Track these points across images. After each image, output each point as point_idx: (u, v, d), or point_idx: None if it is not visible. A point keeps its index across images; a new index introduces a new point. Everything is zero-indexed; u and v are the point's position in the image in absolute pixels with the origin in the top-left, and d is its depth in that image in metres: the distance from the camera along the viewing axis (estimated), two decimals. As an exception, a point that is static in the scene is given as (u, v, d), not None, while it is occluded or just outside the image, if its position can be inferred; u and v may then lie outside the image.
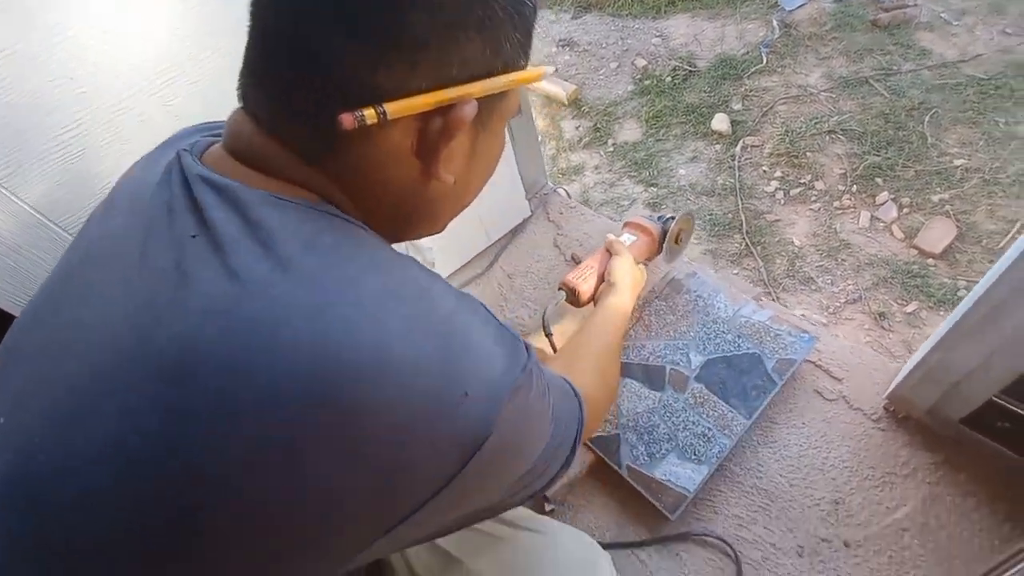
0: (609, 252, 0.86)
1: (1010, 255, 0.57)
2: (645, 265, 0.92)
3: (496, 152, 0.43)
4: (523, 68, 0.38)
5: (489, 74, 0.35)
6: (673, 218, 0.92)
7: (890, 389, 0.83)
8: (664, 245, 0.92)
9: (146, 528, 0.27)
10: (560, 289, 0.84)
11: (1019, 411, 0.71)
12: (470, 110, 0.34)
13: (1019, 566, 0.61)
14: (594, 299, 0.82)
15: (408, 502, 0.31)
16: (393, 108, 0.32)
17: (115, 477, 0.28)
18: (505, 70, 0.36)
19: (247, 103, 0.36)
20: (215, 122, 0.45)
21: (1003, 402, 0.71)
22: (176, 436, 0.27)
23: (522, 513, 0.60)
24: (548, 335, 0.82)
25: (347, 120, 0.31)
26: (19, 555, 0.28)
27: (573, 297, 0.83)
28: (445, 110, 0.34)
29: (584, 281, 0.83)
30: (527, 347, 0.37)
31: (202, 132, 0.43)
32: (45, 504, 0.28)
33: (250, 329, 0.28)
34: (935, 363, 0.71)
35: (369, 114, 0.31)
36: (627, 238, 0.89)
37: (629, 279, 0.80)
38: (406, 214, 0.40)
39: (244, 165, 0.35)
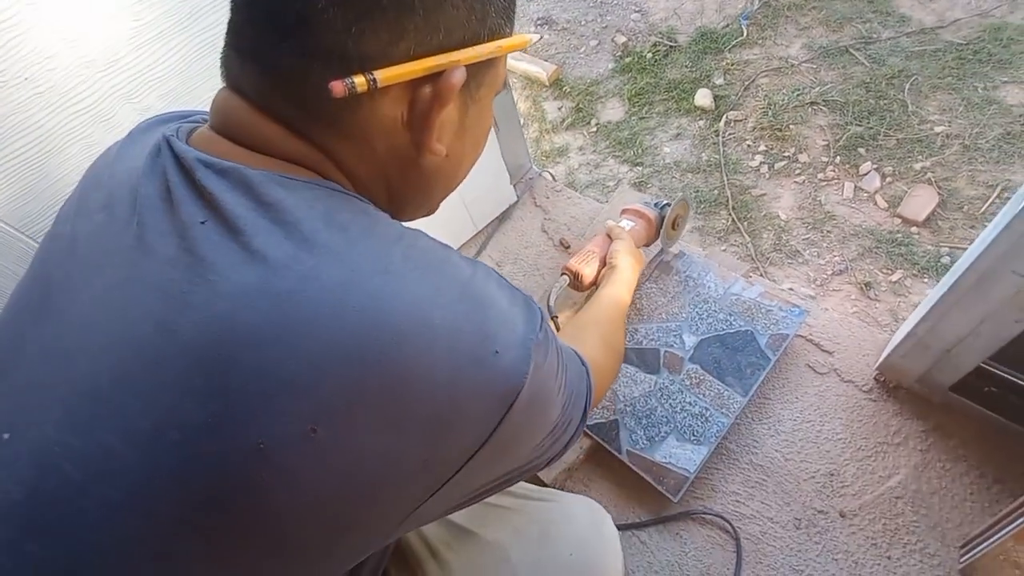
0: (610, 237, 0.88)
1: (996, 223, 0.57)
2: (643, 250, 0.93)
3: (485, 126, 0.43)
4: (509, 35, 0.38)
5: (476, 41, 0.35)
6: (669, 204, 0.94)
7: (880, 360, 0.83)
8: (661, 230, 0.93)
9: (201, 516, 0.28)
10: (563, 274, 0.86)
11: (1007, 376, 0.72)
12: (459, 76, 0.34)
13: (1010, 527, 0.62)
14: (596, 283, 0.84)
15: (453, 461, 0.32)
16: (383, 75, 0.32)
17: (160, 474, 0.27)
18: (491, 37, 0.36)
19: (231, 79, 0.35)
20: (180, 111, 0.44)
21: (992, 368, 0.72)
22: (225, 422, 0.27)
23: (529, 486, 0.62)
24: (553, 318, 0.84)
25: (337, 88, 0.31)
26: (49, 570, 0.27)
27: (576, 281, 0.85)
28: (434, 78, 0.34)
29: (587, 265, 0.84)
30: (538, 308, 0.38)
31: (170, 121, 0.41)
32: (79, 515, 0.27)
33: (289, 307, 0.28)
34: (925, 333, 0.71)
35: (360, 81, 0.31)
36: (626, 223, 0.91)
37: (631, 259, 0.82)
38: (400, 191, 0.40)
39: (239, 145, 0.34)
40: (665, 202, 0.95)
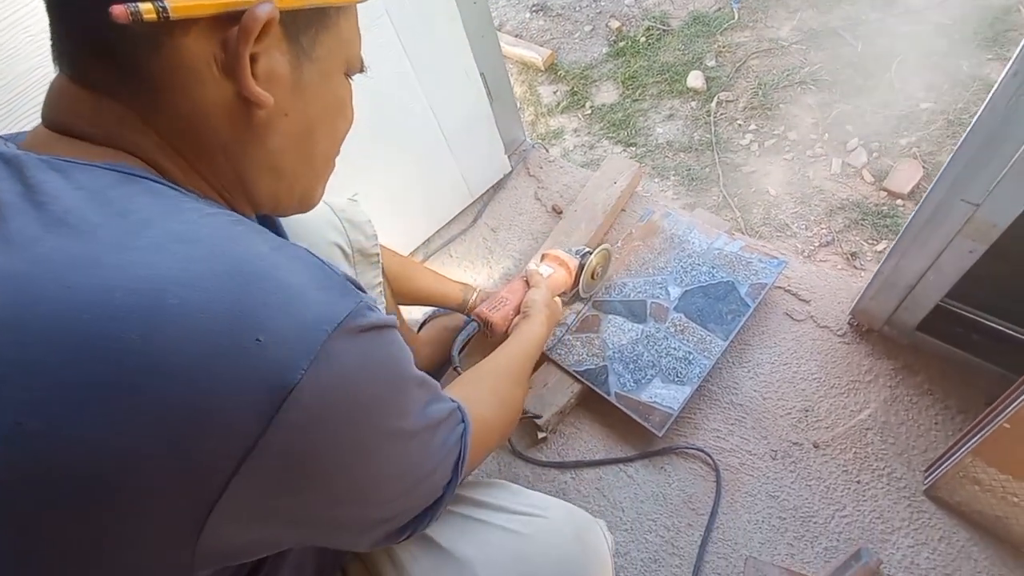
0: (527, 283, 0.84)
1: (951, 159, 0.62)
2: (561, 298, 0.91)
3: (335, 96, 0.40)
4: None
5: None
6: (591, 252, 0.92)
7: (853, 305, 0.88)
8: (580, 279, 0.92)
9: None
10: (472, 320, 0.81)
11: (967, 314, 0.77)
12: (265, 10, 0.32)
13: (968, 443, 0.67)
14: (508, 332, 0.79)
15: (217, 469, 0.27)
16: (174, 4, 0.29)
17: None
18: None
19: (56, 58, 0.34)
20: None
21: (953, 307, 0.77)
22: None
23: (508, 497, 0.54)
24: (455, 368, 0.80)
25: (119, 12, 0.28)
26: None
27: (487, 328, 0.81)
28: (242, 15, 0.32)
29: (497, 311, 0.80)
30: (368, 304, 0.33)
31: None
32: None
33: (16, 290, 0.27)
34: (890, 271, 0.76)
35: (146, 8, 0.29)
36: (545, 270, 0.88)
37: (546, 310, 0.78)
38: (243, 166, 0.37)
39: (56, 133, 0.33)
40: (587, 250, 0.93)
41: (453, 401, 0.43)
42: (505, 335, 0.78)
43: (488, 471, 0.91)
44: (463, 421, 0.43)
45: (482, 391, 0.54)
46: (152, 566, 0.29)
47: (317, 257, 0.33)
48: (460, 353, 0.79)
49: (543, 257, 0.93)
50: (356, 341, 0.31)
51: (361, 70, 0.42)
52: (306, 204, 0.44)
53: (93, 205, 0.29)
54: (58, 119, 0.34)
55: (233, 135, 0.35)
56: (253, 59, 0.33)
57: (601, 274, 0.98)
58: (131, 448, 0.26)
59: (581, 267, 0.92)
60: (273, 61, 0.34)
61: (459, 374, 0.77)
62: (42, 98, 0.57)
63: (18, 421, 0.25)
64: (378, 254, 0.73)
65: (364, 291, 0.34)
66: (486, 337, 0.82)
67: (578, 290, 0.95)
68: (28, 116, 0.68)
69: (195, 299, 0.27)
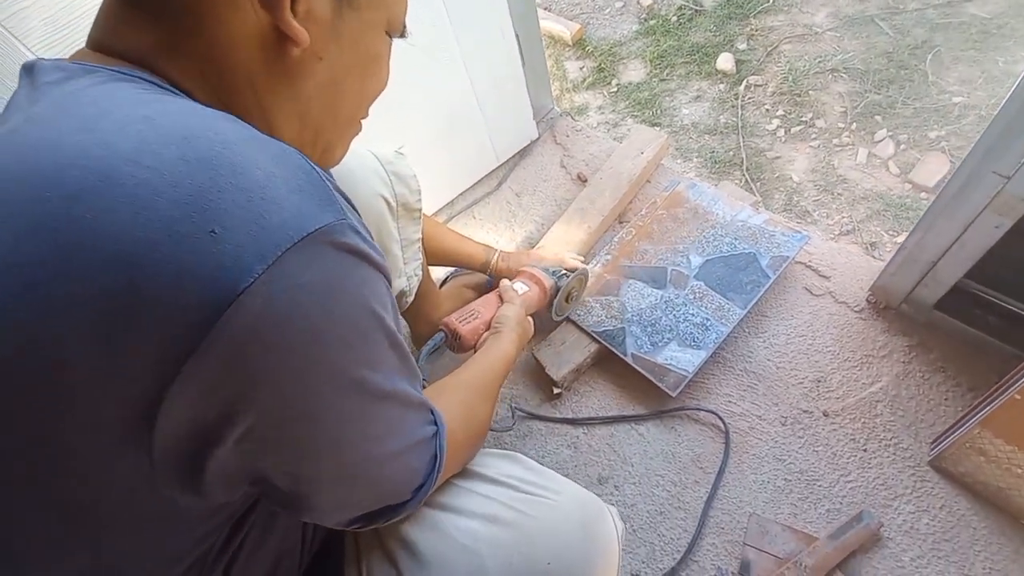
0: (501, 299, 0.81)
1: (986, 130, 0.63)
2: (532, 318, 0.85)
3: (373, 52, 0.39)
4: None
5: None
6: (567, 275, 0.90)
7: (872, 281, 0.89)
8: (555, 302, 0.90)
9: None
10: (440, 330, 0.77)
11: (984, 294, 0.78)
12: None
13: (978, 415, 0.69)
14: (476, 347, 0.75)
15: (150, 378, 0.25)
16: None
17: None
18: None
19: None
20: None
21: (971, 288, 0.78)
22: None
23: (518, 471, 0.52)
24: (423, 380, 0.75)
25: None
26: None
27: (454, 340, 0.76)
28: None
29: (466, 323, 0.76)
30: (358, 231, 0.30)
31: None
32: None
33: None
34: (913, 246, 0.77)
35: None
36: (520, 287, 0.85)
37: (518, 328, 0.74)
38: (269, 105, 0.36)
39: (93, 51, 0.34)
40: (563, 272, 0.90)
41: (431, 407, 0.40)
42: (473, 348, 0.75)
43: (502, 421, 0.94)
44: (437, 424, 0.40)
45: (451, 404, 0.48)
46: (110, 468, 0.28)
47: (310, 163, 0.31)
48: (424, 363, 0.73)
49: (518, 274, 0.89)
50: (326, 258, 0.28)
51: (402, 34, 0.41)
52: (327, 161, 0.42)
53: (72, 98, 0.29)
54: (98, 38, 0.34)
55: (264, 70, 0.34)
56: None
57: (576, 297, 0.96)
58: (73, 333, 0.24)
59: (556, 288, 0.89)
60: (314, 0, 0.34)
61: (425, 385, 0.75)
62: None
63: None
64: (420, 210, 0.73)
65: (344, 209, 0.30)
66: (453, 349, 0.78)
67: (551, 312, 0.92)
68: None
69: (151, 180, 0.25)
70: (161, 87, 0.32)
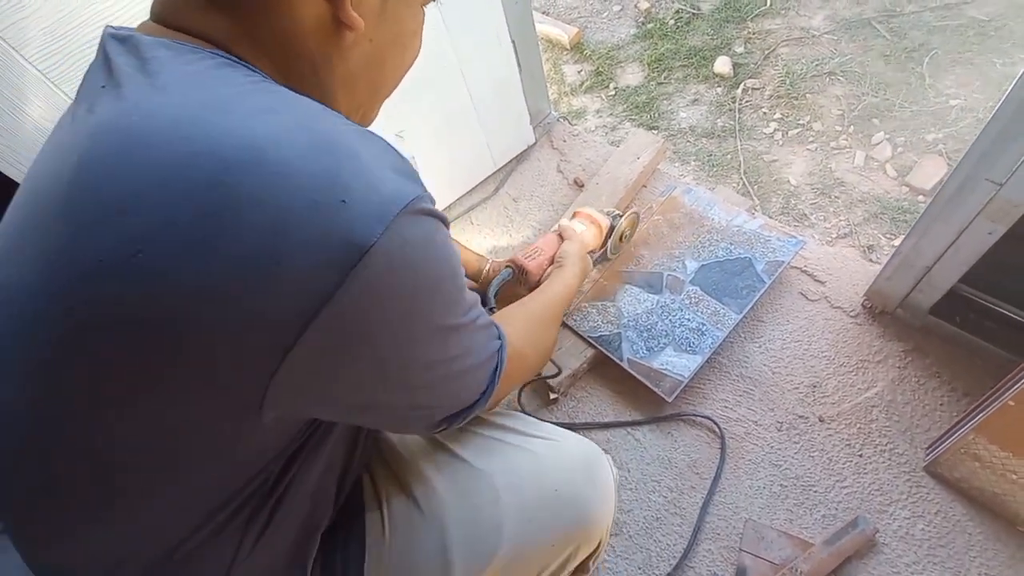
0: (561, 237, 0.86)
1: (978, 137, 0.63)
2: (590, 255, 0.90)
3: (409, 30, 0.44)
4: None
5: None
6: (620, 215, 0.94)
7: (868, 286, 0.90)
8: (609, 240, 0.94)
9: (66, 327, 0.31)
10: (507, 267, 0.82)
11: (978, 299, 0.78)
12: None
13: (972, 420, 0.69)
14: (541, 281, 0.80)
15: (290, 321, 0.30)
16: None
17: (36, 295, 0.31)
18: None
19: None
20: None
21: (966, 292, 0.78)
22: (76, 243, 0.30)
23: (528, 421, 0.59)
24: (491, 309, 0.79)
25: None
26: None
27: (521, 275, 0.81)
28: None
29: (532, 260, 0.81)
30: (429, 196, 0.35)
31: None
32: None
33: (128, 140, 0.31)
34: (909, 250, 0.78)
35: None
36: (578, 226, 0.90)
37: (580, 265, 0.79)
38: (325, 79, 0.40)
39: (162, 26, 0.37)
40: (617, 212, 0.95)
41: (495, 324, 0.46)
42: (538, 283, 0.80)
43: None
44: (500, 339, 0.46)
45: (516, 325, 0.55)
46: (221, 404, 0.32)
47: (393, 147, 0.36)
48: (495, 296, 0.79)
49: (575, 214, 0.95)
50: (421, 222, 0.34)
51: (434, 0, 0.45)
52: (364, 124, 0.46)
53: (197, 77, 0.33)
54: (168, 17, 0.37)
55: (322, 53, 0.39)
56: None
57: (628, 237, 1.01)
58: (213, 286, 0.29)
59: (611, 228, 0.94)
60: None
61: (492, 310, 0.78)
62: (98, 34, 0.62)
63: (138, 250, 0.29)
64: None
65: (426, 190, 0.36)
66: (519, 284, 0.82)
67: (606, 250, 0.96)
68: (84, 50, 0.70)
69: (293, 158, 0.30)
70: (254, 70, 0.36)
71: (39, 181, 0.35)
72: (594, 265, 1.01)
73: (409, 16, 0.43)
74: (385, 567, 0.50)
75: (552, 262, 0.81)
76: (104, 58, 0.36)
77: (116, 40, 0.36)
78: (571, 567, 0.56)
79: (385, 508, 0.53)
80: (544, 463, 0.53)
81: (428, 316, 0.37)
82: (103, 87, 0.34)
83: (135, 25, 0.38)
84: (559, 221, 0.90)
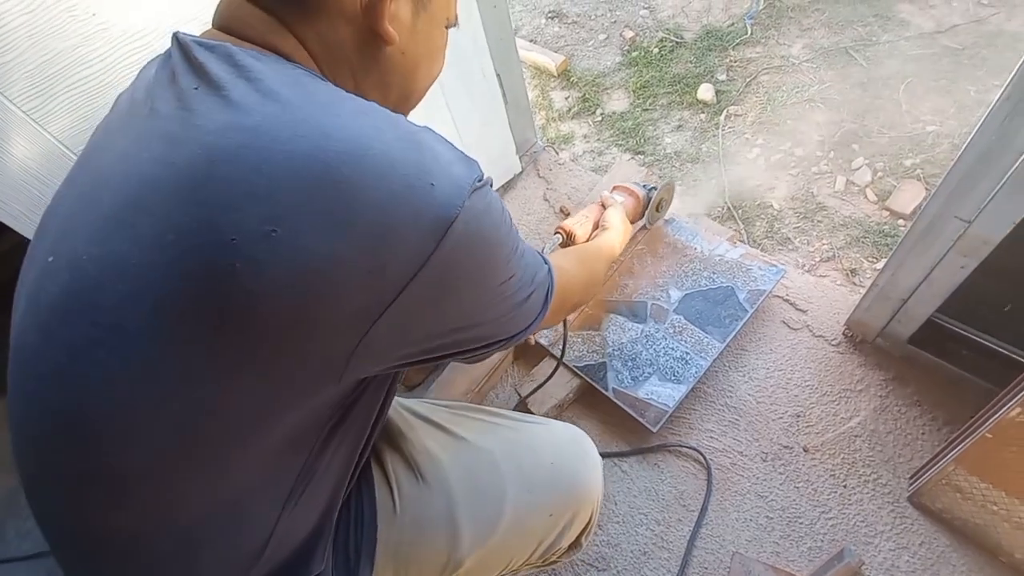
0: (603, 206, 0.94)
1: (946, 177, 0.65)
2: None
3: (437, 43, 0.50)
4: None
5: None
6: (655, 188, 1.01)
7: (848, 316, 0.91)
8: (647, 210, 1.01)
9: (192, 304, 0.34)
10: (556, 232, 0.89)
11: (956, 328, 0.79)
12: None
13: (952, 452, 0.70)
14: None
15: (394, 280, 0.36)
16: None
17: (158, 267, 0.35)
18: None
19: None
20: None
21: (943, 322, 0.79)
22: (204, 224, 0.34)
23: (519, 414, 0.67)
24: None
25: None
26: (81, 350, 0.36)
27: (569, 240, 0.88)
28: None
29: (580, 226, 0.88)
30: (482, 171, 0.42)
31: None
32: (95, 305, 0.36)
33: (252, 136, 0.35)
34: (885, 283, 0.79)
35: None
36: (618, 197, 0.97)
37: (622, 225, 0.88)
38: (362, 83, 0.46)
39: (229, 35, 0.42)
40: (652, 185, 1.01)
41: (540, 254, 0.52)
42: None
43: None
44: (547, 263, 0.52)
45: (567, 258, 0.66)
46: (318, 357, 0.37)
47: (446, 139, 0.42)
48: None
49: (614, 188, 1.01)
50: (484, 195, 0.40)
51: (456, 24, 0.51)
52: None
53: (291, 85, 0.38)
54: (232, 26, 0.42)
55: (361, 63, 0.45)
56: (387, 3, 0.42)
57: (665, 207, 1.06)
58: (343, 254, 0.35)
59: (648, 198, 1.00)
60: (401, 7, 0.44)
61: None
62: (83, 74, 0.62)
63: (273, 229, 0.34)
64: None
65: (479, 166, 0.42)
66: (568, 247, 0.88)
67: (644, 220, 1.02)
68: (67, 92, 0.71)
69: (390, 152, 0.36)
70: (320, 78, 0.42)
71: (130, 164, 0.38)
72: (638, 228, 1.08)
73: (436, 33, 0.49)
74: (396, 537, 0.54)
75: (596, 227, 0.89)
76: (189, 61, 0.40)
77: (203, 47, 0.40)
78: (566, 540, 0.61)
79: (393, 481, 0.57)
80: (538, 440, 0.61)
81: (497, 264, 0.44)
82: (196, 88, 0.38)
83: (127, 66, 0.42)
84: (600, 192, 0.98)
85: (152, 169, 0.37)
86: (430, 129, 0.42)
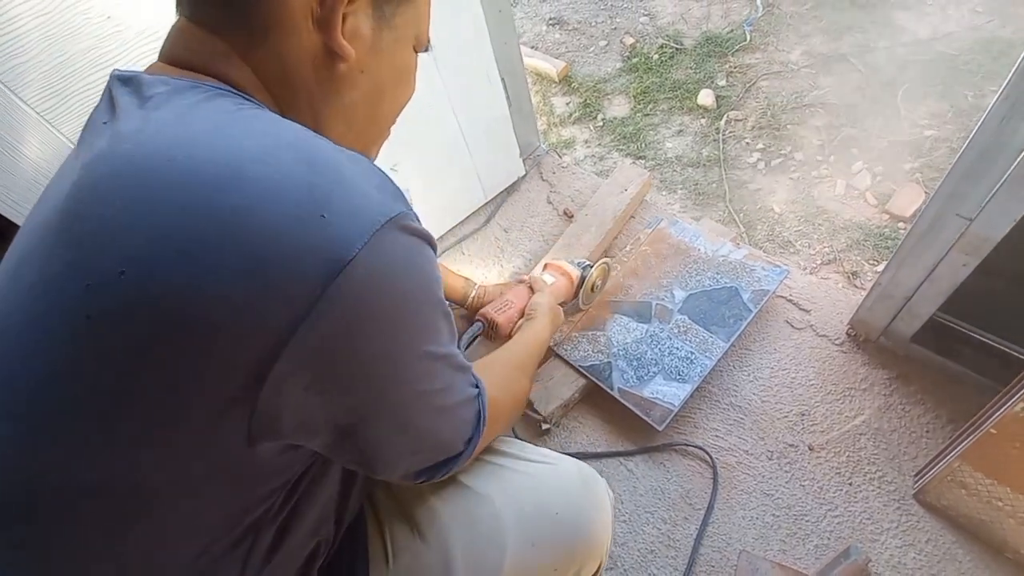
0: (531, 289, 0.88)
1: (947, 175, 0.66)
2: (561, 306, 0.92)
3: (405, 64, 0.45)
4: None
5: None
6: (591, 266, 0.96)
7: (851, 315, 0.92)
8: (580, 291, 0.96)
9: (60, 337, 0.31)
10: (477, 320, 0.84)
11: (958, 327, 0.80)
12: None
13: (957, 449, 0.70)
14: (511, 335, 0.82)
15: (279, 330, 0.30)
16: None
17: (30, 320, 0.32)
18: None
19: (177, 5, 0.40)
20: None
21: (946, 320, 0.80)
22: (80, 265, 0.31)
23: (524, 447, 0.60)
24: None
25: None
26: None
27: (491, 329, 0.83)
28: None
29: (502, 313, 0.83)
30: (413, 213, 0.36)
31: None
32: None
33: (123, 164, 0.32)
34: (888, 282, 0.80)
35: None
36: (548, 278, 0.92)
37: (550, 313, 0.81)
38: (321, 111, 0.41)
39: (167, 64, 0.39)
40: (587, 263, 0.97)
41: (472, 372, 0.46)
42: (508, 337, 0.81)
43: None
44: (479, 386, 0.46)
45: (492, 375, 0.54)
46: (216, 421, 0.32)
47: (380, 169, 0.37)
48: (465, 351, 0.80)
49: (546, 266, 0.96)
50: (403, 239, 0.34)
51: (427, 49, 0.47)
52: (367, 154, 0.47)
53: (189, 107, 0.35)
54: (173, 52, 0.39)
55: (316, 82, 0.40)
56: (343, 17, 0.38)
57: (600, 287, 1.01)
58: (207, 297, 0.29)
59: (582, 279, 0.95)
60: (359, 22, 0.39)
61: None
62: (97, 75, 0.63)
63: (122, 270, 0.29)
64: None
65: (410, 206, 0.36)
66: (489, 337, 0.84)
67: (577, 300, 0.98)
68: (83, 93, 0.72)
69: (271, 175, 0.31)
70: (249, 99, 0.38)
71: (37, 217, 0.36)
72: (570, 314, 1.02)
73: (402, 53, 0.44)
74: None
75: (523, 315, 0.82)
76: (108, 99, 0.38)
77: (120, 81, 0.38)
78: None
79: (388, 536, 0.53)
80: (543, 485, 0.54)
81: (409, 338, 0.36)
82: (105, 123, 0.36)
83: (141, 66, 0.40)
84: (530, 273, 0.91)
85: (42, 217, 0.35)
86: (358, 155, 0.36)
